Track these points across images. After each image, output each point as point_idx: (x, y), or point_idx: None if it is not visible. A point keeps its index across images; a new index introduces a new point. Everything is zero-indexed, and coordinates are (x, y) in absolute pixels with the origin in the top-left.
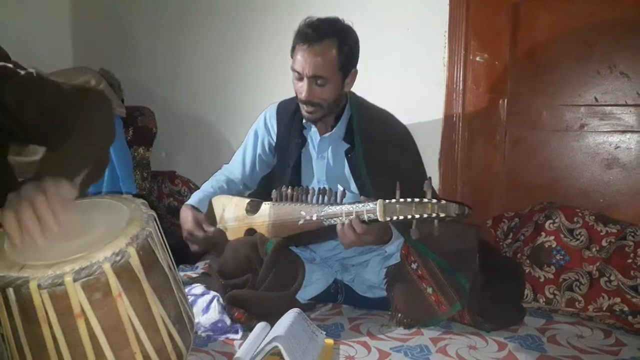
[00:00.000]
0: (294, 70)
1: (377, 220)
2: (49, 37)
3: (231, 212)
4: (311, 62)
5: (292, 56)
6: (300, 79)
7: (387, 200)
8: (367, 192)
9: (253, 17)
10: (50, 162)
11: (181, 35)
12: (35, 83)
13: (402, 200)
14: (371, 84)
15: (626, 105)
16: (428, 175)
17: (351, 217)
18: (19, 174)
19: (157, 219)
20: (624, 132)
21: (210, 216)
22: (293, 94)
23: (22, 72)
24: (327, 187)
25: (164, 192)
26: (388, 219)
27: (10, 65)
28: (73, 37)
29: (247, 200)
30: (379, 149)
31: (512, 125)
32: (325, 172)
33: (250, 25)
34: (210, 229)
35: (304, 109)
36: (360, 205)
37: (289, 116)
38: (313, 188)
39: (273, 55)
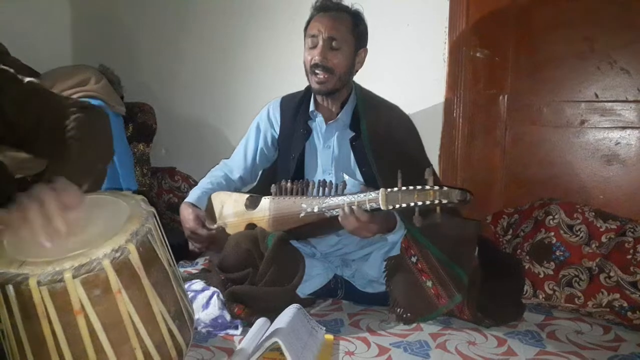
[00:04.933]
0: (309, 36)
1: (379, 209)
2: (49, 34)
3: (230, 208)
4: (329, 24)
5: (305, 31)
6: (314, 45)
7: (389, 189)
8: (372, 180)
9: (251, 14)
10: (58, 171)
11: (181, 31)
12: (38, 95)
13: (404, 188)
14: (371, 80)
15: (626, 101)
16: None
17: (353, 207)
18: (16, 170)
19: (156, 215)
20: (624, 128)
21: (209, 213)
22: (291, 90)
23: (25, 80)
24: (327, 179)
25: (163, 188)
26: (390, 207)
27: (12, 71)
28: (72, 33)
29: (246, 195)
30: (384, 136)
31: (512, 121)
32: (331, 161)
33: (248, 22)
34: (213, 227)
35: (314, 79)
36: (362, 195)
37: (294, 108)
38: (313, 181)
39: (271, 52)
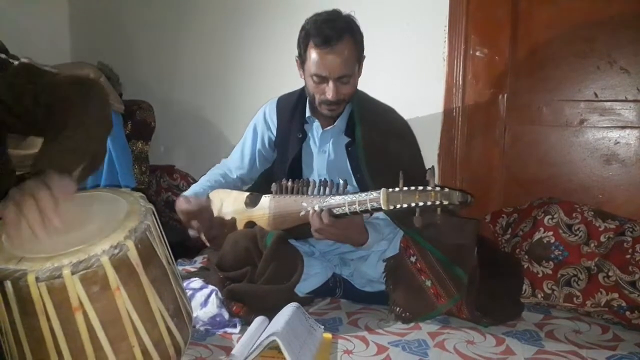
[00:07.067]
0: (314, 74)
1: (380, 209)
2: (48, 31)
3: (230, 206)
4: (338, 64)
5: (303, 56)
6: (322, 81)
7: (390, 189)
8: (366, 185)
9: (252, 13)
10: (47, 155)
11: (180, 29)
12: (30, 73)
13: (405, 188)
14: (370, 80)
15: (626, 100)
16: (427, 168)
17: (354, 207)
18: (17, 167)
19: (155, 212)
20: (623, 127)
21: None
22: (290, 89)
23: (16, 63)
24: (328, 179)
25: (162, 186)
26: (392, 207)
27: (3, 56)
28: (71, 30)
29: (246, 193)
30: (378, 141)
31: (511, 121)
32: (326, 166)
33: (249, 20)
34: (201, 200)
35: (325, 108)
36: (363, 194)
37: (290, 111)
38: (314, 180)
39: (271, 51)
